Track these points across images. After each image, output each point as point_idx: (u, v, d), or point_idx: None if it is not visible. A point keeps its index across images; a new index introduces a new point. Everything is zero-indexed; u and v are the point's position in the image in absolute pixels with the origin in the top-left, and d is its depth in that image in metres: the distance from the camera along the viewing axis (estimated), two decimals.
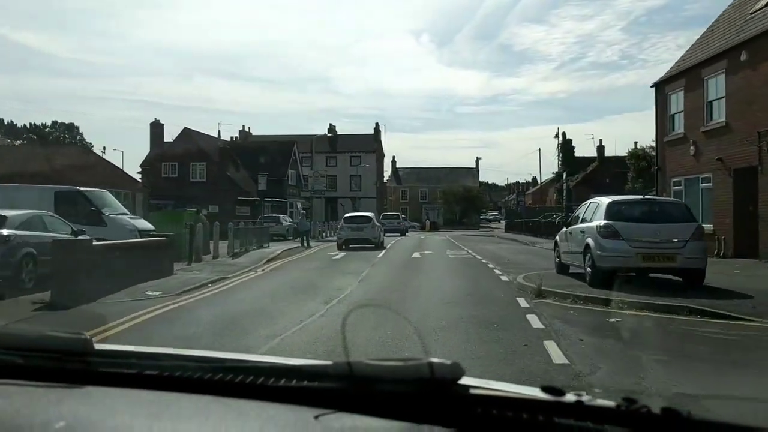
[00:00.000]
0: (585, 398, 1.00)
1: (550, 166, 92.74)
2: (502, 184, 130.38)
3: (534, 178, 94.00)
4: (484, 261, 19.32)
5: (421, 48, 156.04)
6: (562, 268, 13.34)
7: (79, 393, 1.27)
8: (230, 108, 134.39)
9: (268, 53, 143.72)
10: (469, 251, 24.72)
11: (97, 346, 1.39)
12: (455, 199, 71.91)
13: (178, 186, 46.72)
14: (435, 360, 1.06)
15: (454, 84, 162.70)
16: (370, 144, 74.19)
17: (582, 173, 57.19)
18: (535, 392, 1.05)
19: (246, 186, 50.35)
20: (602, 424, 0.97)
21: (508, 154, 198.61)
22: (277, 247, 25.80)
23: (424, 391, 1.06)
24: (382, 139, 77.80)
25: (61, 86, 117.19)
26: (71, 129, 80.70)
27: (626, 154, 48.64)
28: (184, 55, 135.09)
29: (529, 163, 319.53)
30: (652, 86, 21.94)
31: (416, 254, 23.02)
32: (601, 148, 60.35)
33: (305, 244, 28.41)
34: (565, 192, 35.05)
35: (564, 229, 13.48)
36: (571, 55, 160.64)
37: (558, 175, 67.00)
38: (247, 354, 1.60)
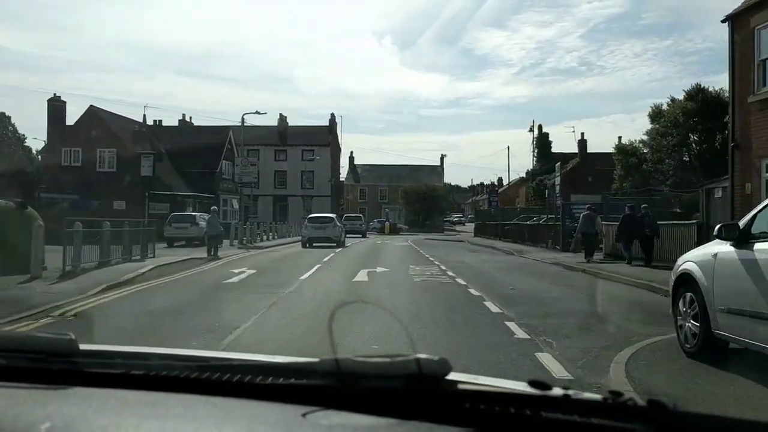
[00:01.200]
0: (572, 392, 1.00)
1: (517, 167, 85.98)
2: (465, 185, 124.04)
3: (500, 179, 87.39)
4: (472, 291, 11.45)
5: (384, 50, 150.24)
6: (710, 344, 5.45)
7: (64, 394, 1.24)
8: (193, 106, 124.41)
9: (229, 53, 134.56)
10: (442, 267, 16.98)
11: (83, 347, 1.34)
12: (418, 199, 63.76)
13: (81, 176, 38.55)
14: (422, 356, 1.05)
15: (416, 86, 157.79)
16: (325, 137, 65.89)
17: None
18: (522, 387, 1.05)
19: (168, 178, 41.67)
20: (589, 418, 0.96)
21: (470, 157, 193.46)
22: (161, 259, 17.64)
23: (412, 387, 1.06)
24: (339, 132, 69.67)
25: (16, 80, 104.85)
26: (2, 119, 72.29)
27: (613, 150, 42.21)
28: (148, 53, 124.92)
29: (493, 165, 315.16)
30: (723, 21, 14.38)
31: (362, 274, 14.78)
32: (582, 143, 53.52)
33: (212, 253, 20.68)
34: (558, 188, 27.51)
35: (725, 248, 5.39)
36: (531, 61, 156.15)
37: (531, 174, 60.26)
38: (233, 353, 1.61)
